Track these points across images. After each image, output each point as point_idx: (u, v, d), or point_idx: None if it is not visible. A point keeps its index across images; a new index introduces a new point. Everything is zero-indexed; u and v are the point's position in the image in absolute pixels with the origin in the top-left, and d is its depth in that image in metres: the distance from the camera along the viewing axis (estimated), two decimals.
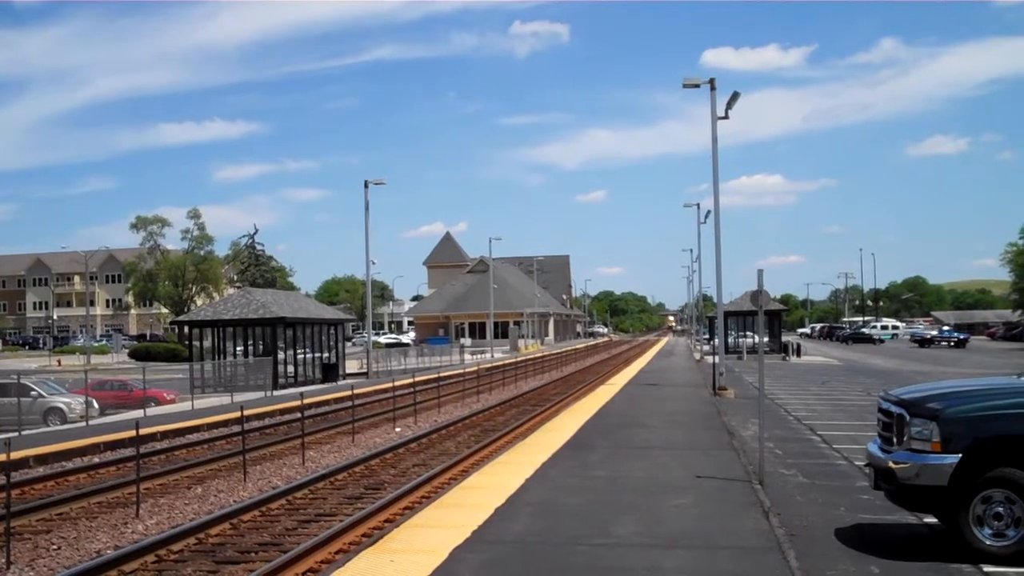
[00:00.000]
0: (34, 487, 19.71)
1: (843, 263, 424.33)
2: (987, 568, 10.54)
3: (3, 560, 13.26)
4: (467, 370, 49.67)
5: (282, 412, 33.26)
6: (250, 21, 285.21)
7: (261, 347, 52.30)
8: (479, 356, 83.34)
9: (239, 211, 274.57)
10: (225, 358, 51.35)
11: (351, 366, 61.40)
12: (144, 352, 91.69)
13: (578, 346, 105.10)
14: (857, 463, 17.62)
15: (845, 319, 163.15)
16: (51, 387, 38.45)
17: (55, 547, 14.46)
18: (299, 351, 53.53)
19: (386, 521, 14.92)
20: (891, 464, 11.29)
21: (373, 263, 64.33)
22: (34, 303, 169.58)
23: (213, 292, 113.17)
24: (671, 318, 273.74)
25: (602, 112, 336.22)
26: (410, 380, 38.33)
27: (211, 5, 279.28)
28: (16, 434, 27.80)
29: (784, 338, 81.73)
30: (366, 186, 58.56)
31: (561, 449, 20.34)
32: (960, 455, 10.70)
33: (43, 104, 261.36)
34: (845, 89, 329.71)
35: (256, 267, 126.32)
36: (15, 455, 14.89)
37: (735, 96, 35.35)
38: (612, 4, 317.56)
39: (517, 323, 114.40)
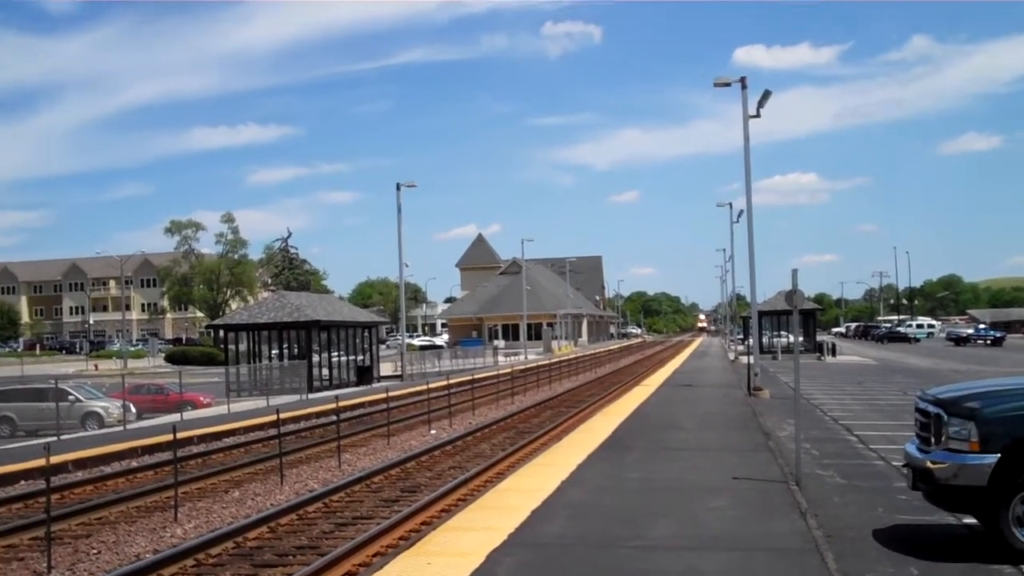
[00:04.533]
0: (73, 491, 19.89)
1: (878, 262, 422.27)
2: None
3: (44, 564, 13.38)
4: (501, 372, 49.72)
5: (317, 415, 33.39)
6: (283, 25, 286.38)
7: (296, 350, 52.54)
8: (513, 358, 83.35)
9: (273, 214, 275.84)
10: (260, 361, 51.65)
11: (385, 368, 61.62)
12: (180, 356, 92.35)
13: (612, 347, 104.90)
14: (895, 463, 17.51)
15: (880, 318, 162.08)
16: (88, 391, 38.79)
17: (95, 551, 14.57)
18: (334, 354, 53.76)
19: (423, 524, 14.96)
20: (929, 464, 11.21)
21: (406, 265, 64.57)
22: (70, 308, 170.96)
23: (247, 296, 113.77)
24: (702, 316, 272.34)
25: (633, 112, 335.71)
26: (444, 382, 38.39)
27: (244, 9, 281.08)
28: (55, 438, 28.07)
29: (819, 337, 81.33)
30: (398, 188, 58.89)
31: (597, 451, 20.32)
32: (999, 455, 10.59)
33: (78, 110, 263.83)
34: (877, 87, 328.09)
35: (290, 270, 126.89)
36: (54, 459, 15.04)
37: (766, 94, 35.25)
38: (643, 3, 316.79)
39: (550, 324, 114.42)
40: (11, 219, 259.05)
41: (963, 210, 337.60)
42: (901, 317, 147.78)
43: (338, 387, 49.14)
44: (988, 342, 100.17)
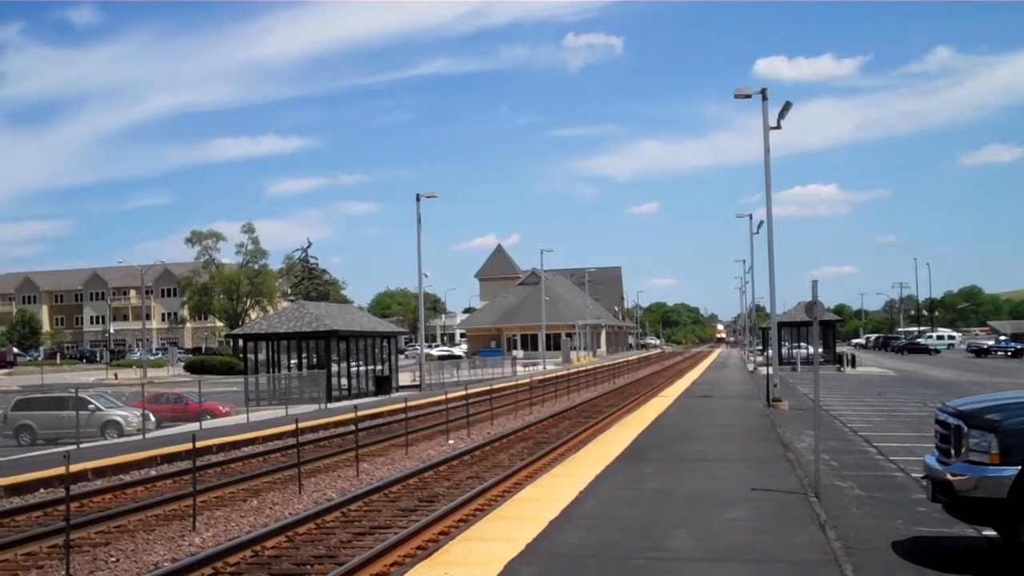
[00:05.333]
0: (92, 499, 19.97)
1: (898, 273, 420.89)
2: None
3: (63, 572, 13.42)
4: (519, 382, 49.70)
5: (336, 424, 33.44)
6: (303, 37, 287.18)
7: (315, 360, 52.62)
8: (531, 368, 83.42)
9: (293, 225, 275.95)
10: (280, 371, 51.71)
11: (404, 378, 61.61)
12: (199, 365, 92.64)
13: (630, 358, 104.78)
14: (914, 475, 17.45)
15: (900, 329, 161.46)
16: (108, 400, 38.89)
17: (113, 559, 14.62)
18: (352, 364, 53.77)
19: (440, 534, 14.96)
20: (949, 476, 11.16)
21: (425, 276, 64.68)
22: (91, 317, 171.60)
23: (267, 305, 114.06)
24: (720, 327, 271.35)
25: (654, 123, 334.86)
26: (463, 392, 38.37)
27: (265, 21, 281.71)
28: (75, 447, 28.16)
29: (839, 349, 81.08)
30: (418, 199, 58.91)
31: (614, 462, 20.30)
32: (1020, 467, 10.54)
33: (100, 121, 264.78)
34: (899, 98, 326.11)
35: (309, 280, 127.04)
36: (74, 468, 15.06)
37: (787, 106, 35.15)
38: (665, 15, 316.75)
39: (569, 335, 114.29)
40: (33, 229, 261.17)
41: (984, 221, 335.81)
42: (921, 328, 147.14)
43: (357, 397, 49.16)
44: (1009, 354, 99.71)
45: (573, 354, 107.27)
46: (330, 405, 43.97)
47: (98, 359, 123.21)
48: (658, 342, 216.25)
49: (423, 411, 37.88)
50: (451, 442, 29.68)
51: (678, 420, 30.54)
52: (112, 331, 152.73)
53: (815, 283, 17.34)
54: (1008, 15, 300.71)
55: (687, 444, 23.70)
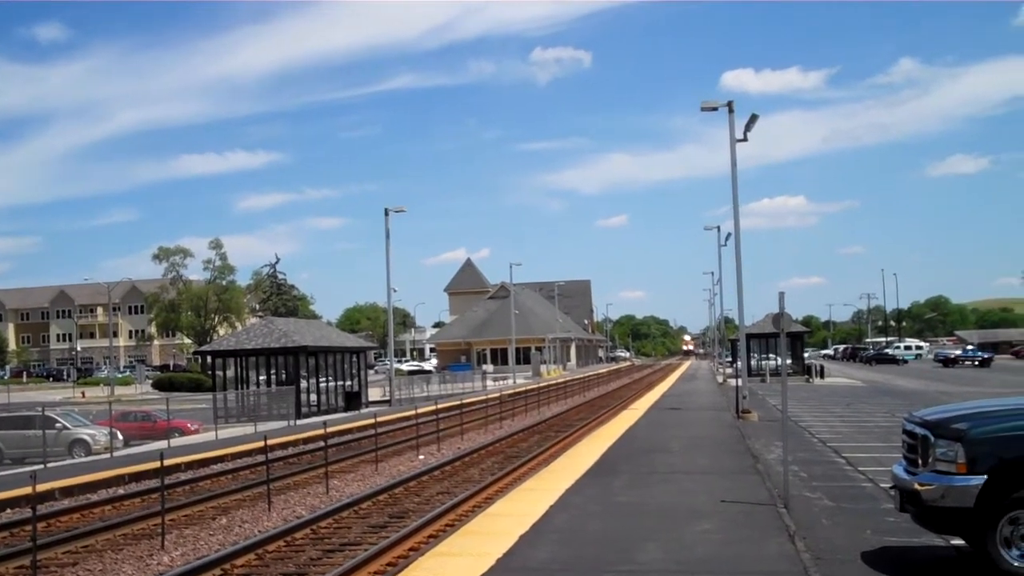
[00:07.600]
0: (59, 519, 19.77)
1: (865, 284, 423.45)
2: None
3: None
4: (489, 396, 49.62)
5: (306, 441, 33.29)
6: (270, 52, 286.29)
7: (284, 376, 52.42)
8: (501, 382, 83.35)
9: (261, 241, 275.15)
10: (248, 388, 51.48)
11: (374, 394, 61.46)
12: (167, 383, 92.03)
13: (600, 371, 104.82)
14: (883, 485, 17.52)
15: (868, 340, 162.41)
16: (75, 419, 38.65)
17: None
18: (322, 379, 53.62)
19: (411, 550, 14.91)
20: (916, 486, 11.21)
21: (394, 291, 64.47)
22: (57, 335, 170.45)
23: (235, 322, 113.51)
24: (687, 338, 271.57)
25: (622, 136, 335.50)
26: (433, 407, 38.32)
27: (232, 37, 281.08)
28: (41, 466, 27.93)
29: (807, 360, 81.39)
30: (386, 214, 58.81)
31: (585, 475, 20.29)
32: (986, 476, 10.60)
33: (66, 138, 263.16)
34: (865, 110, 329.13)
35: (278, 296, 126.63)
36: (41, 487, 14.97)
37: (753, 118, 35.31)
38: (633, 29, 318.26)
39: (539, 349, 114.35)
40: None
41: (950, 232, 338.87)
42: (889, 339, 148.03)
43: (326, 413, 49.01)
44: (976, 363, 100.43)
45: (543, 368, 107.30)
46: (299, 421, 43.80)
47: (65, 377, 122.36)
48: (628, 355, 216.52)
49: (393, 427, 37.77)
50: (421, 457, 29.61)
51: (648, 433, 30.58)
52: (79, 349, 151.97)
53: (782, 295, 17.43)
54: (971, 27, 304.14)
55: (657, 456, 23.73)
